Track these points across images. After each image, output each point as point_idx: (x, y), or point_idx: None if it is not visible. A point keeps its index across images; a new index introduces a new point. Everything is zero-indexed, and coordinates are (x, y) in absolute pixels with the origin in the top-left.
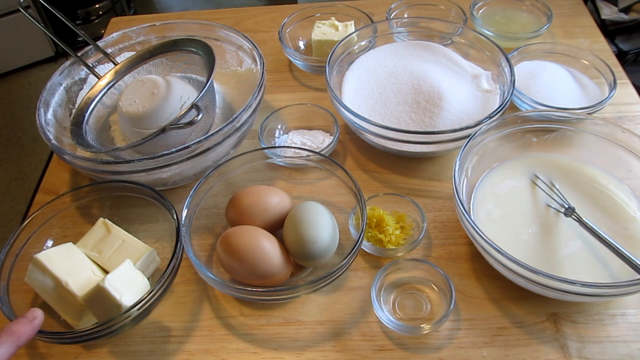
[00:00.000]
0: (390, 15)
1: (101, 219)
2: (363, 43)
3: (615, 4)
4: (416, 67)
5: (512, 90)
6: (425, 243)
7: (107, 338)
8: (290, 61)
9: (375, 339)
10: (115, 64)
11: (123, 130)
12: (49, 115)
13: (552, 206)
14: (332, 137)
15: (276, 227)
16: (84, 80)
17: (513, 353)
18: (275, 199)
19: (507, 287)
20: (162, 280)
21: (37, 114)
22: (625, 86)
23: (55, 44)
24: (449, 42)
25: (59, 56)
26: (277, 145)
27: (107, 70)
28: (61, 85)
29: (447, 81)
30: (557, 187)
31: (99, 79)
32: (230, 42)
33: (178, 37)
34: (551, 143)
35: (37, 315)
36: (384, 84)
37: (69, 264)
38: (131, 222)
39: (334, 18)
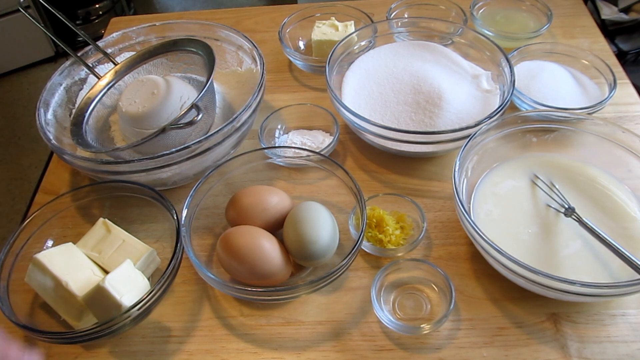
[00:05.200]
0: (390, 15)
1: (101, 219)
2: (363, 43)
3: (615, 4)
4: (416, 67)
5: (512, 90)
6: (425, 243)
7: (107, 338)
8: (290, 61)
9: (375, 339)
10: (115, 64)
11: (123, 130)
12: (49, 115)
13: (552, 206)
14: (332, 137)
15: (276, 227)
16: (84, 80)
17: (513, 353)
18: (275, 199)
19: (507, 287)
20: (162, 280)
21: (37, 114)
22: (625, 86)
23: (55, 44)
24: (449, 42)
25: (59, 56)
26: (277, 145)
27: (107, 70)
28: (61, 85)
29: (447, 81)
30: (557, 187)
31: (99, 79)
32: (230, 42)
33: (178, 37)
34: (551, 143)
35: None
36: (384, 84)
37: (69, 264)
38: (131, 222)
39: (334, 18)
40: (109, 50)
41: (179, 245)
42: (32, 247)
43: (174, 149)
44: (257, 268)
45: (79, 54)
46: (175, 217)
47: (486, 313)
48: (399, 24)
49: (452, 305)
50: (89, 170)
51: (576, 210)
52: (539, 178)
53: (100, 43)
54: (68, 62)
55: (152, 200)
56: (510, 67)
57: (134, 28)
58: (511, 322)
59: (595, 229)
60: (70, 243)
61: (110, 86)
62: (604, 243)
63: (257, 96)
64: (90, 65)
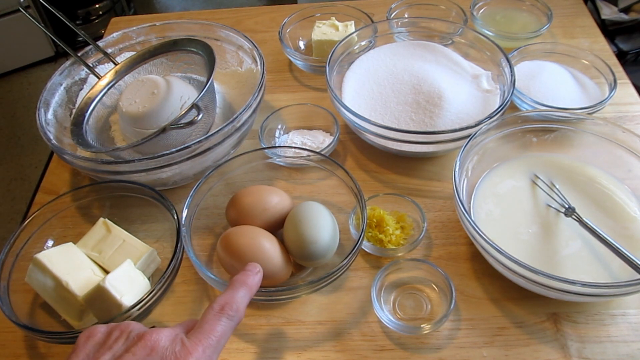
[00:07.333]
0: (391, 15)
1: (101, 219)
2: (363, 43)
3: (615, 4)
4: (416, 67)
5: (512, 90)
6: (426, 243)
7: None
8: (290, 61)
9: (376, 339)
10: (115, 64)
11: (123, 130)
12: (49, 115)
13: (552, 206)
14: (332, 137)
15: (276, 227)
16: (84, 80)
17: (513, 353)
18: (275, 199)
19: (507, 287)
20: (163, 280)
21: (37, 114)
22: (625, 86)
23: (55, 44)
24: (449, 42)
25: (59, 56)
26: (277, 145)
27: (107, 70)
28: (61, 85)
29: (447, 81)
30: (557, 187)
31: (99, 79)
32: (230, 42)
33: (178, 37)
34: (551, 143)
35: (260, 268)
36: (384, 84)
37: (69, 264)
38: (131, 222)
39: (334, 18)
40: (109, 50)
41: (179, 245)
42: (32, 247)
43: (174, 149)
44: None
45: (79, 54)
46: (176, 217)
47: (486, 313)
48: (399, 24)
49: (452, 305)
50: (89, 170)
51: (576, 210)
52: (539, 178)
53: (100, 43)
54: (68, 62)
55: (153, 200)
56: (510, 67)
57: (134, 28)
58: (511, 322)
59: (595, 229)
60: (71, 243)
61: (110, 86)
62: (604, 243)
63: (257, 96)
64: (91, 65)
